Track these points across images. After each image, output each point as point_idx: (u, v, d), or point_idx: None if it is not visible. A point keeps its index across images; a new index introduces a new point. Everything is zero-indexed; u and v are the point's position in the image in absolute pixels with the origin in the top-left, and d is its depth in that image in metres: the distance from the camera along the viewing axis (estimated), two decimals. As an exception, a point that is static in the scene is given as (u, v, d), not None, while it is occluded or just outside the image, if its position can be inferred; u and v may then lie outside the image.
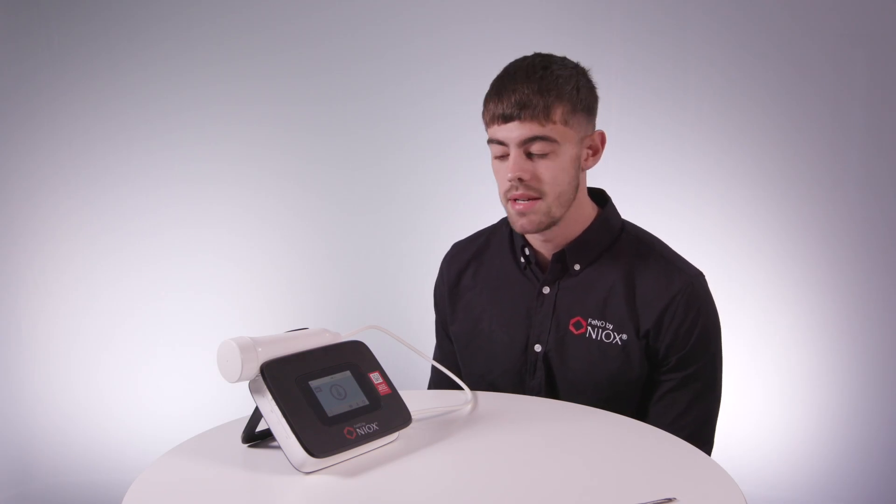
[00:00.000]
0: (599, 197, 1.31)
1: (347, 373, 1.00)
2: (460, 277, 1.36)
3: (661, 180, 2.34)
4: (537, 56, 1.20)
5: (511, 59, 1.24)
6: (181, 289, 2.57)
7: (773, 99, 2.29)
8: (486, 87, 1.26)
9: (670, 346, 1.20)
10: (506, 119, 1.15)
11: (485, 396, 1.19)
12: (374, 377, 1.01)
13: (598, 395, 1.22)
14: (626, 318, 1.21)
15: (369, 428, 0.95)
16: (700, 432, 1.21)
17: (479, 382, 1.32)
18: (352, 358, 1.02)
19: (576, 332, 1.23)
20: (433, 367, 1.35)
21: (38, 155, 2.54)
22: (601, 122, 1.32)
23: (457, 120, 2.43)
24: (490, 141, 1.19)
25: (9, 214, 2.52)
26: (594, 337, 1.22)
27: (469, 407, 1.13)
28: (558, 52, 1.26)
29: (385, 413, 0.98)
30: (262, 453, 0.98)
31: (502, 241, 1.33)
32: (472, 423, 1.07)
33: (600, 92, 1.27)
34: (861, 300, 2.26)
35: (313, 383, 0.96)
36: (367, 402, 0.98)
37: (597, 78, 1.26)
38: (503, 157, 1.18)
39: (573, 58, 1.25)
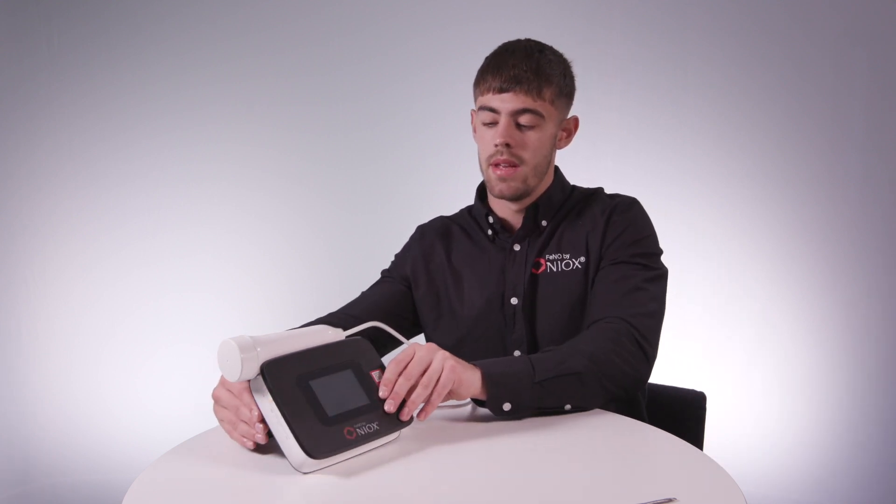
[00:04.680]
0: None
1: (349, 371, 0.99)
2: (429, 252, 1.43)
3: (661, 180, 2.34)
4: (531, 40, 1.32)
5: None
6: (181, 289, 2.57)
7: (774, 99, 2.29)
8: None
9: (611, 244, 1.29)
10: (502, 90, 1.26)
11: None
12: (376, 375, 1.01)
13: (566, 327, 1.28)
14: (580, 244, 1.31)
15: (369, 428, 0.95)
16: (623, 302, 1.21)
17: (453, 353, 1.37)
18: (353, 356, 1.02)
19: (537, 273, 1.32)
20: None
21: (38, 155, 2.54)
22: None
23: (456, 119, 2.43)
24: (481, 108, 1.29)
25: (9, 214, 2.52)
26: (554, 269, 1.31)
27: (470, 406, 1.13)
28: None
29: (386, 412, 0.98)
30: (263, 453, 0.98)
31: (467, 224, 1.43)
32: (472, 424, 1.07)
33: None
34: (861, 300, 2.26)
35: (314, 383, 0.95)
36: (368, 402, 0.97)
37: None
38: (492, 123, 1.28)
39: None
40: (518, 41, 1.31)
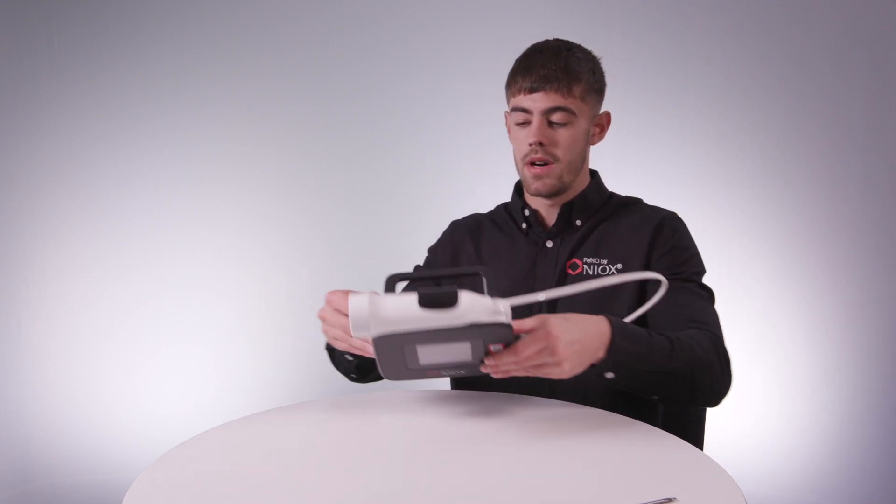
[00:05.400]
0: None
1: (466, 343, 0.95)
2: (458, 247, 1.45)
3: (661, 180, 2.34)
4: (559, 40, 1.35)
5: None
6: (181, 289, 2.57)
7: (774, 99, 2.29)
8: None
9: (663, 257, 1.32)
10: (532, 90, 1.29)
11: (484, 396, 1.19)
12: (494, 347, 0.98)
13: None
14: (618, 252, 1.34)
15: (454, 372, 1.02)
16: (705, 318, 1.25)
17: None
18: (481, 334, 0.94)
19: (573, 273, 1.34)
20: None
21: (38, 155, 2.54)
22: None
23: (457, 119, 2.43)
24: (514, 109, 1.32)
25: (9, 214, 2.52)
26: (591, 273, 1.34)
27: (472, 403, 1.14)
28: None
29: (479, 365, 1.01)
30: (263, 453, 0.98)
31: (500, 217, 1.45)
32: (472, 423, 1.07)
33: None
34: (861, 300, 2.26)
35: (420, 348, 0.95)
36: (469, 360, 0.99)
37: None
38: (525, 123, 1.31)
39: None
40: (546, 41, 1.34)
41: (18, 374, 2.54)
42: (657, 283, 1.28)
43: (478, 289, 0.99)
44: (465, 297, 0.92)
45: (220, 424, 1.09)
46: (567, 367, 1.01)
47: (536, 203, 1.40)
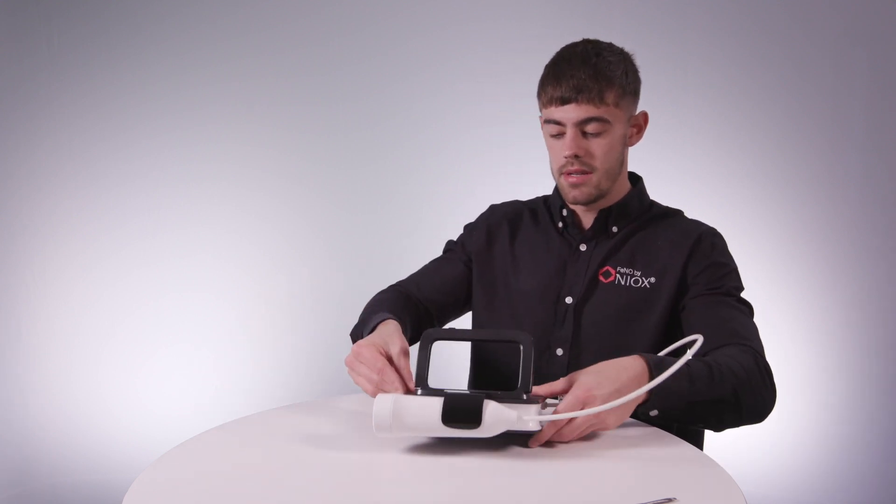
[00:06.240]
0: (632, 177, 1.44)
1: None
2: (495, 233, 1.43)
3: (661, 180, 2.33)
4: (588, 43, 1.30)
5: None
6: (181, 289, 2.57)
7: (774, 99, 2.29)
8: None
9: (701, 272, 1.29)
10: (563, 101, 1.24)
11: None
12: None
13: (613, 339, 1.28)
14: (654, 264, 1.30)
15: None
16: (745, 333, 1.23)
17: None
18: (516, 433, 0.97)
19: (605, 281, 1.31)
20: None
21: (38, 155, 2.54)
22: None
23: (457, 119, 2.43)
24: (547, 121, 1.28)
25: (9, 214, 2.52)
26: (623, 283, 1.30)
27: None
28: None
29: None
30: (263, 453, 0.98)
31: (539, 210, 1.42)
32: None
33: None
34: (861, 300, 2.26)
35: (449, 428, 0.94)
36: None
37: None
38: (559, 135, 1.27)
39: None
40: (574, 46, 1.29)
41: (18, 374, 2.54)
42: (693, 298, 1.27)
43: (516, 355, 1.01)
44: (490, 414, 0.93)
45: (220, 424, 1.09)
46: (611, 422, 1.01)
47: (575, 206, 1.36)
